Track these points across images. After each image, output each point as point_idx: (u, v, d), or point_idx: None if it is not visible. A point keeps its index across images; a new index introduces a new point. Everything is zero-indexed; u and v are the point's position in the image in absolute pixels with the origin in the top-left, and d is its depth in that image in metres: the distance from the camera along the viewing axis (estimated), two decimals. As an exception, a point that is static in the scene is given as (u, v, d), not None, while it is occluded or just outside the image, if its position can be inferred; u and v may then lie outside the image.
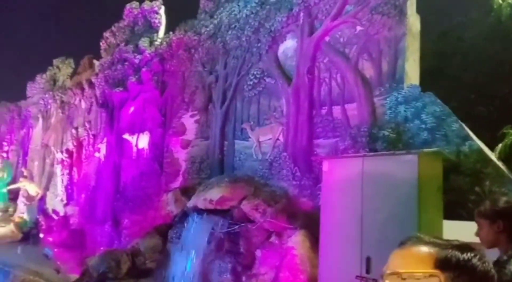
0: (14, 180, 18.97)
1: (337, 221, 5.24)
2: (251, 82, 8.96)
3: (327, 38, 7.61)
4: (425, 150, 5.07)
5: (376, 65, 6.84)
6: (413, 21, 6.59)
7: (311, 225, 6.08)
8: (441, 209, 4.85)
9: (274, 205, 7.00)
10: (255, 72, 8.91)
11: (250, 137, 8.87)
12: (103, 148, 13.44)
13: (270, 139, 8.44)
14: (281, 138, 8.19)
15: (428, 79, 6.99)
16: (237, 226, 7.13)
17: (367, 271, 4.72)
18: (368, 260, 4.75)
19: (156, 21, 12.44)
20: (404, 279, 1.02)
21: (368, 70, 6.96)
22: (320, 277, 5.40)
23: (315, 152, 7.45)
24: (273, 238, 6.85)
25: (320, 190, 6.11)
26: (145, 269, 8.05)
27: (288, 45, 8.35)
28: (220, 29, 9.95)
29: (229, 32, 9.62)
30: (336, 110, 7.33)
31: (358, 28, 7.11)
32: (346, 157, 5.95)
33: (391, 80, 6.59)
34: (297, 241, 6.34)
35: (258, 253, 6.80)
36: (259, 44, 8.88)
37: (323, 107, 7.53)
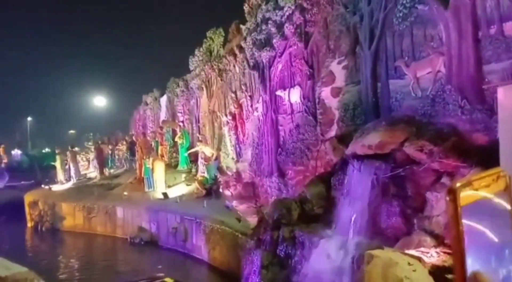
0: (191, 145, 22.06)
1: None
2: (401, 14, 8.17)
3: None
4: None
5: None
6: None
7: (488, 161, 5.40)
8: None
9: (441, 143, 6.45)
10: (404, 2, 8.07)
11: (406, 75, 8.23)
12: (260, 107, 14.32)
13: (429, 73, 7.69)
14: (442, 70, 7.37)
15: None
16: (401, 169, 6.86)
17: None
18: None
19: (292, -29, 12.24)
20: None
21: (550, -32, 5.62)
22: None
23: (486, 80, 6.51)
24: (444, 179, 6.38)
25: (496, 121, 5.36)
26: (314, 215, 8.49)
27: (440, -39, 7.28)
28: (358, -38, 9.23)
29: (369, -37, 8.85)
30: (509, 27, 6.21)
31: None
32: (529, 79, 5.03)
33: None
34: (473, 180, 5.77)
35: (428, 195, 6.46)
36: (405, -31, 7.96)
37: (491, 26, 6.45)
